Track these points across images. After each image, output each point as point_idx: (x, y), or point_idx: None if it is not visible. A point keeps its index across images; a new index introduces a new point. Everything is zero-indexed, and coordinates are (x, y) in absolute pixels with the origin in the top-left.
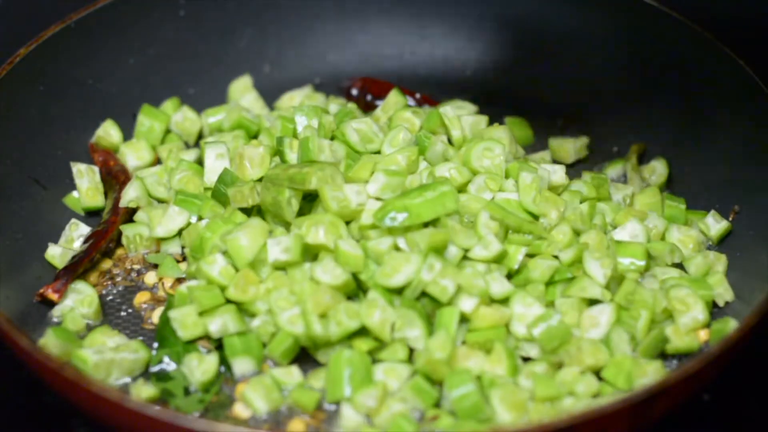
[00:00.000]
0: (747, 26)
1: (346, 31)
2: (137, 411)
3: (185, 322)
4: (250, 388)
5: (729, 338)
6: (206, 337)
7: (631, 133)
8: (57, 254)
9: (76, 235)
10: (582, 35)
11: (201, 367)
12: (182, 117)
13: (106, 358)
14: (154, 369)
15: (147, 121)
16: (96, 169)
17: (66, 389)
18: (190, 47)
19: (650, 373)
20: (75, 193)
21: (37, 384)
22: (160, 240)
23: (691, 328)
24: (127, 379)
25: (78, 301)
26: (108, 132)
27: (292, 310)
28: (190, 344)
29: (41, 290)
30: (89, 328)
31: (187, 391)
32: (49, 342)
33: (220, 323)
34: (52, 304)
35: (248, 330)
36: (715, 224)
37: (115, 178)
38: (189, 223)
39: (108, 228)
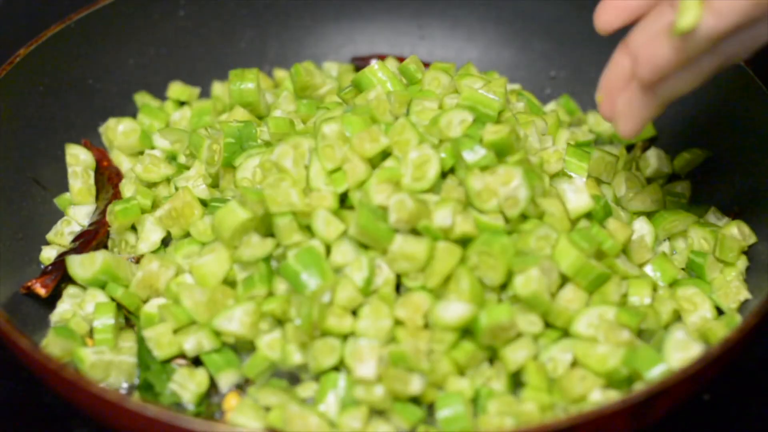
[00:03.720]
0: None
1: (345, 32)
2: (137, 411)
3: (160, 341)
4: (239, 414)
5: (729, 338)
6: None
7: None
8: (52, 257)
9: (68, 231)
10: (582, 35)
11: (194, 379)
12: (181, 116)
13: (105, 359)
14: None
15: (146, 120)
16: (91, 172)
17: (66, 390)
18: (190, 47)
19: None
20: (67, 194)
21: (37, 384)
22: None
23: (699, 326)
24: (124, 385)
25: (76, 305)
26: (114, 128)
27: (272, 334)
28: (167, 363)
29: (28, 283)
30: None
31: (179, 408)
32: (51, 341)
33: (194, 342)
34: (51, 304)
35: (223, 346)
36: (717, 222)
37: (108, 180)
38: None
39: (99, 229)
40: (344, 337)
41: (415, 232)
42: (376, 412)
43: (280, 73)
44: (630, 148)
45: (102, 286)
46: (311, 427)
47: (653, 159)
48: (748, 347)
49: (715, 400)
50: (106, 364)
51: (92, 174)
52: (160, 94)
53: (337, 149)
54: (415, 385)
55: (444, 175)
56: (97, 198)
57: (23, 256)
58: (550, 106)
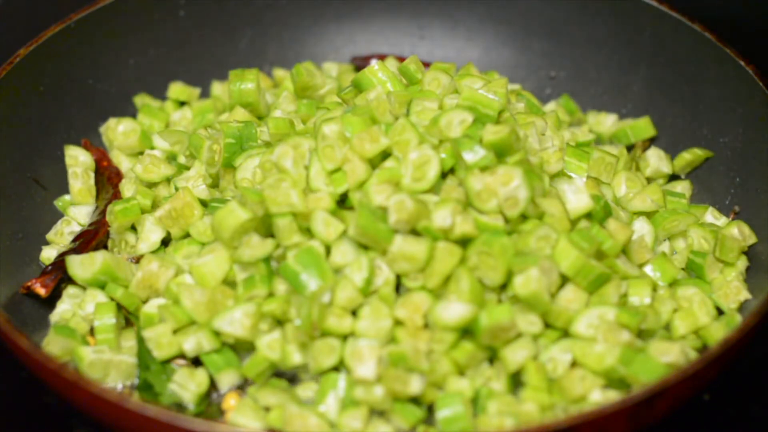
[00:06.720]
0: (747, 26)
1: (345, 32)
2: (137, 411)
3: (160, 341)
4: (239, 414)
5: (729, 338)
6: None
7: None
8: (52, 257)
9: (68, 231)
10: (582, 35)
11: (194, 379)
12: (181, 116)
13: (104, 358)
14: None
15: (146, 120)
16: (91, 173)
17: (66, 390)
18: (190, 47)
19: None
20: (67, 196)
21: (37, 384)
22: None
23: (698, 327)
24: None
25: (76, 305)
26: (115, 128)
27: (272, 334)
28: (167, 363)
29: (27, 283)
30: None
31: (179, 408)
32: (52, 339)
33: (194, 342)
34: (51, 304)
35: (223, 346)
36: (714, 221)
37: (108, 180)
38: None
39: (99, 229)
40: (344, 337)
41: (414, 232)
42: (376, 413)
43: (279, 73)
44: (630, 148)
45: (102, 287)
46: (311, 427)
47: (653, 159)
48: (748, 347)
49: (715, 400)
50: (105, 363)
51: (92, 174)
52: (160, 94)
53: (337, 149)
54: (414, 386)
55: (444, 175)
56: (97, 198)
57: (23, 256)
58: (550, 106)
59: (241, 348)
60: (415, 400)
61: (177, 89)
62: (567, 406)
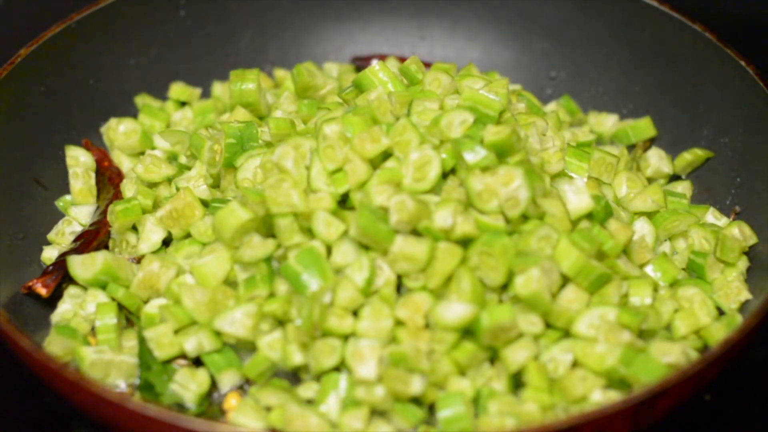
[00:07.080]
0: (747, 26)
1: (346, 32)
2: (138, 412)
3: (161, 341)
4: (240, 414)
5: (729, 339)
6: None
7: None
8: (53, 257)
9: (69, 231)
10: (582, 35)
11: (195, 379)
12: (182, 117)
13: (105, 359)
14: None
15: (147, 120)
16: (92, 173)
17: (67, 390)
18: (190, 47)
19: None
20: (68, 196)
21: (37, 384)
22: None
23: (699, 327)
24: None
25: (77, 305)
26: (116, 128)
27: (273, 334)
28: (168, 363)
29: (29, 283)
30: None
31: (180, 408)
32: (53, 340)
33: (195, 342)
34: (52, 304)
35: (224, 346)
36: (715, 222)
37: (109, 180)
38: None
39: (100, 229)
40: (345, 337)
41: (415, 232)
42: (377, 413)
43: (280, 73)
44: (631, 148)
45: (103, 287)
46: (312, 427)
47: (654, 159)
48: (748, 348)
49: (715, 401)
50: (105, 363)
51: (93, 175)
52: (160, 94)
53: (338, 150)
54: (415, 386)
55: (445, 175)
56: (98, 198)
57: (24, 256)
58: (551, 107)
59: (242, 348)
60: (416, 400)
61: (178, 89)
62: (568, 407)
